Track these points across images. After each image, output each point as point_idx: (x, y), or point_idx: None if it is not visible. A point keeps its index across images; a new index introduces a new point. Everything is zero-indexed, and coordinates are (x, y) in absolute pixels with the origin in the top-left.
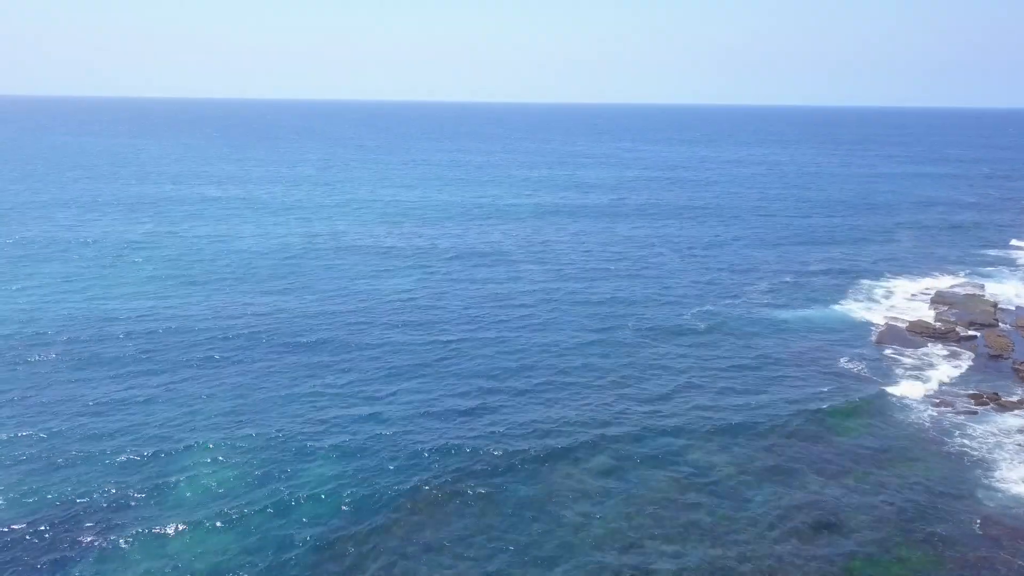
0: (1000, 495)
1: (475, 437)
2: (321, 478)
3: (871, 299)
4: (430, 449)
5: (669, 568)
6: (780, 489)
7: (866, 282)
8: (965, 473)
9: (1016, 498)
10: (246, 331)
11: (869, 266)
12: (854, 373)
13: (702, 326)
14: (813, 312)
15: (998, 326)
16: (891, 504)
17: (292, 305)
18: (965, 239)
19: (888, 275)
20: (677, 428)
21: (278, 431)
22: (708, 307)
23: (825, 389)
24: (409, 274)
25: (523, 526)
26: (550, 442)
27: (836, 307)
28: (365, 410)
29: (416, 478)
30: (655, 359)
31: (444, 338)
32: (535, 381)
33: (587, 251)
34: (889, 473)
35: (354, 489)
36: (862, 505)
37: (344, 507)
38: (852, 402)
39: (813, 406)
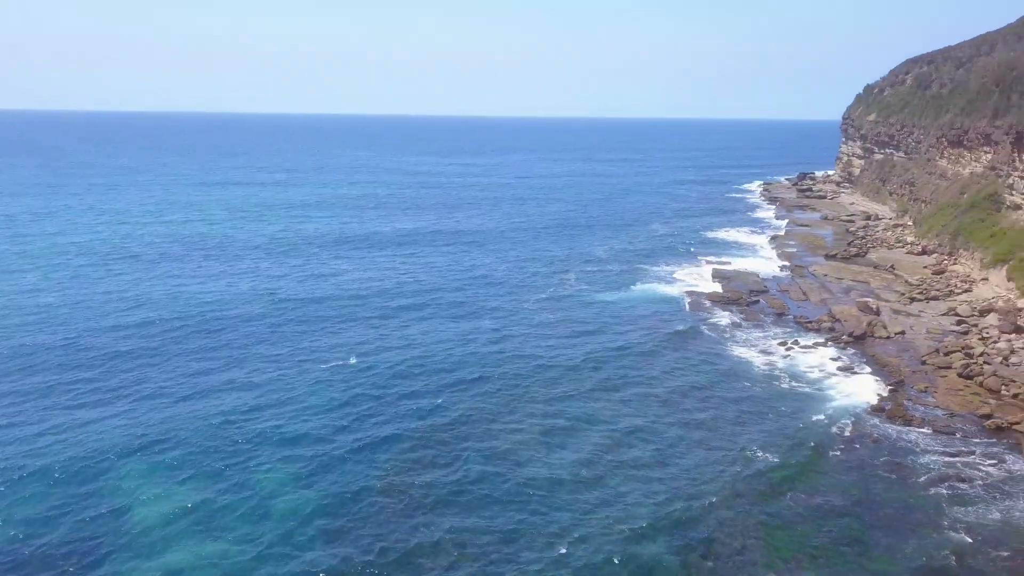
0: (829, 406)
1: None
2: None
3: (664, 280)
4: None
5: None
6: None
7: (653, 268)
8: (791, 392)
9: (842, 407)
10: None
11: (648, 255)
12: (685, 329)
13: (552, 318)
14: (627, 293)
15: (768, 292)
16: (742, 416)
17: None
18: (713, 225)
19: (664, 262)
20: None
21: None
22: (543, 295)
23: (666, 337)
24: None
25: None
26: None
27: (644, 287)
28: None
29: None
30: (540, 347)
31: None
32: (403, 388)
33: (405, 274)
34: (725, 397)
35: None
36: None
37: None
38: (688, 343)
39: (651, 344)
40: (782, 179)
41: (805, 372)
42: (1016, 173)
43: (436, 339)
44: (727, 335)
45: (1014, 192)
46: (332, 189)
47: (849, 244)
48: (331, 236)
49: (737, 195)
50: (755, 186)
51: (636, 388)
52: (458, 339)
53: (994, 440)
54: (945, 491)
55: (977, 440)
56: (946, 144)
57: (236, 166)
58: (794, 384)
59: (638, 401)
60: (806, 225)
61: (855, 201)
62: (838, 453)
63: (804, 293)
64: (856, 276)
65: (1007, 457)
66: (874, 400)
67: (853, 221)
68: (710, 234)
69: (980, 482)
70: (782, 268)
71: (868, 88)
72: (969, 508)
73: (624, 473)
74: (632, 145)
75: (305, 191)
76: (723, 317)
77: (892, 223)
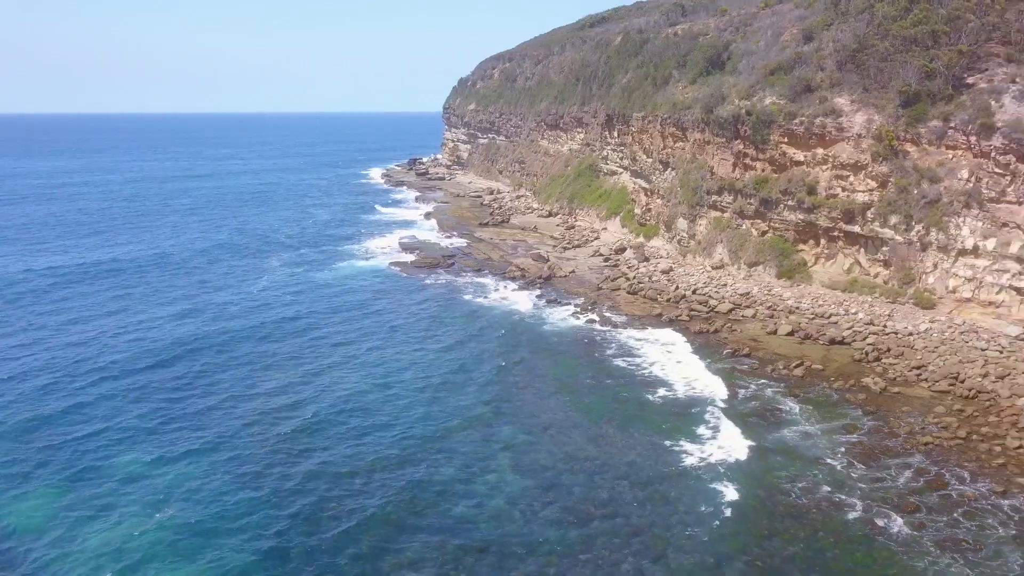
0: (552, 324)
1: None
2: None
3: (361, 256)
4: None
5: None
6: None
7: (342, 249)
8: (524, 318)
9: (563, 322)
10: None
11: (330, 240)
12: (414, 288)
13: (290, 312)
14: (336, 272)
15: (456, 256)
16: (494, 337)
17: None
18: (366, 206)
19: (349, 243)
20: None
21: None
22: (263, 285)
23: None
24: None
25: None
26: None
27: (351, 263)
28: None
29: None
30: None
31: None
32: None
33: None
34: (475, 328)
35: None
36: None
37: None
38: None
39: (387, 301)
40: (394, 165)
41: (525, 306)
42: (608, 147)
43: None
44: (452, 288)
45: (608, 162)
46: None
47: (491, 214)
48: None
49: (365, 181)
50: (375, 172)
51: (406, 330)
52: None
53: (665, 329)
54: (623, 356)
55: (654, 329)
56: (545, 127)
57: None
58: (521, 314)
59: (407, 337)
60: (445, 202)
61: (472, 180)
62: (566, 345)
63: (486, 254)
64: (515, 237)
65: (674, 335)
66: (582, 315)
67: (481, 196)
68: (370, 216)
69: (650, 346)
70: (448, 236)
71: (462, 81)
72: (638, 359)
73: (388, 392)
74: (225, 141)
75: None
76: (438, 277)
77: (515, 195)
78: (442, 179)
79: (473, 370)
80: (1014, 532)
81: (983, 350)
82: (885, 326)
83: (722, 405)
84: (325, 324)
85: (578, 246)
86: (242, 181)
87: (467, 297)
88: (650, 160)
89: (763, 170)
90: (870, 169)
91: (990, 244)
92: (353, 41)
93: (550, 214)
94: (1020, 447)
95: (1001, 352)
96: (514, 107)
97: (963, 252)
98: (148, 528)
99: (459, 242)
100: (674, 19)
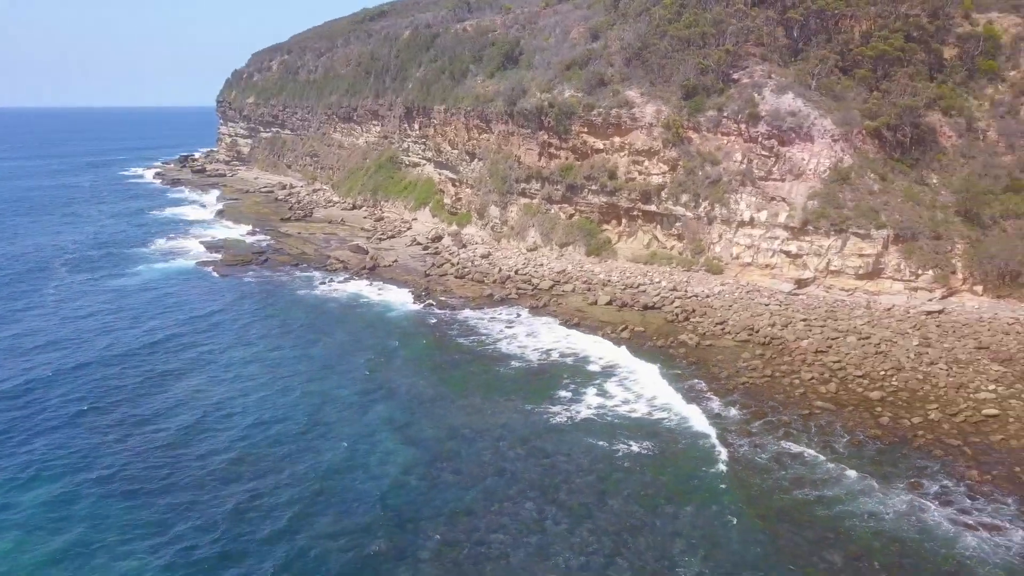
0: (393, 311)
1: None
2: None
3: (160, 259)
4: None
5: None
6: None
7: (139, 251)
8: (361, 308)
9: (401, 308)
10: None
11: (124, 242)
12: (240, 286)
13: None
14: (140, 276)
15: (266, 251)
16: (337, 325)
17: None
18: (150, 207)
19: (145, 245)
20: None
21: None
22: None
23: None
24: None
25: None
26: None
27: (153, 266)
28: None
29: None
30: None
31: None
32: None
33: None
34: (320, 321)
35: None
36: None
37: None
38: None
39: (203, 315)
40: (163, 163)
41: (360, 295)
42: (409, 140)
43: None
44: (277, 284)
45: (410, 154)
46: None
47: (290, 209)
48: None
49: (136, 181)
50: (145, 171)
51: (246, 329)
52: None
53: (499, 307)
54: (470, 335)
55: (489, 308)
56: (338, 120)
57: None
58: (360, 303)
59: (252, 336)
60: (235, 199)
61: (258, 176)
62: (414, 328)
63: (299, 248)
64: (324, 230)
65: (509, 312)
66: (419, 300)
67: (273, 192)
68: (158, 216)
69: (492, 323)
70: (251, 233)
71: (237, 73)
72: (484, 335)
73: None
74: None
75: None
76: (256, 274)
77: (311, 190)
78: (223, 176)
79: (329, 360)
80: (818, 445)
81: (767, 305)
82: (686, 291)
83: (572, 367)
84: (162, 329)
85: (392, 236)
86: None
87: (301, 292)
88: (456, 151)
89: (567, 158)
90: (662, 154)
91: (763, 216)
92: (99, 30)
93: (354, 207)
94: (812, 378)
95: (780, 305)
96: (299, 100)
97: (742, 224)
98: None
99: (264, 238)
100: (461, 15)
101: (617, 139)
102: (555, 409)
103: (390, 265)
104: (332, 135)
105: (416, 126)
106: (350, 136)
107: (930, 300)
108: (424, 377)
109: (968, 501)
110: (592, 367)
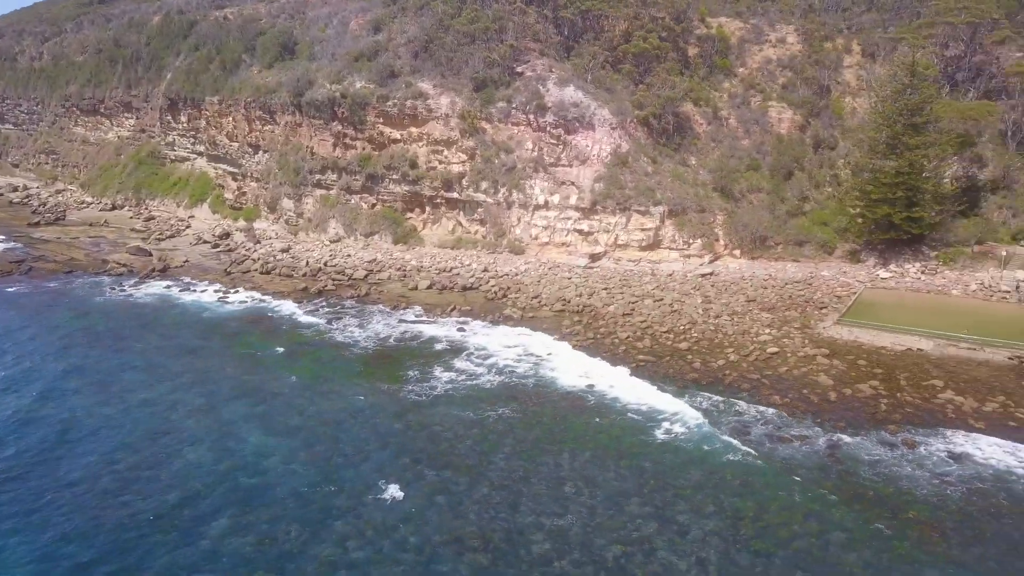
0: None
1: None
2: None
3: None
4: None
5: None
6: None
7: None
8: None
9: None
10: None
11: None
12: (24, 307)
13: None
14: None
15: (28, 260)
16: (228, 331)
17: None
18: None
19: None
20: None
21: None
22: None
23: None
24: None
25: None
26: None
27: None
28: None
29: None
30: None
31: None
32: None
33: None
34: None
35: None
36: None
37: None
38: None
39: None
40: None
41: (167, 298)
42: (175, 133)
43: None
44: (58, 294)
45: (176, 148)
46: None
47: (36, 212)
48: None
49: None
50: None
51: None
52: None
53: (319, 299)
54: (302, 328)
55: (309, 301)
56: (79, 113)
57: None
58: (169, 305)
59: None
60: None
61: None
62: (242, 326)
63: (66, 254)
64: (87, 234)
65: (331, 304)
66: (229, 299)
67: (2, 194)
68: None
69: (317, 316)
70: None
71: None
72: (317, 325)
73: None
74: None
75: None
76: (24, 285)
77: (53, 190)
78: None
79: (156, 365)
80: (660, 390)
81: (569, 279)
82: (496, 271)
83: (418, 348)
84: None
85: (172, 236)
86: None
87: (97, 300)
88: (236, 144)
89: (364, 148)
90: (460, 144)
91: (556, 199)
92: None
93: (115, 207)
94: (628, 336)
95: (581, 278)
96: (23, 91)
97: (538, 207)
98: None
99: (14, 245)
100: (219, 2)
101: (415, 129)
102: (415, 388)
103: (182, 265)
104: (73, 129)
105: (184, 118)
106: (97, 131)
107: (701, 265)
108: (270, 371)
109: (778, 420)
110: (439, 346)
